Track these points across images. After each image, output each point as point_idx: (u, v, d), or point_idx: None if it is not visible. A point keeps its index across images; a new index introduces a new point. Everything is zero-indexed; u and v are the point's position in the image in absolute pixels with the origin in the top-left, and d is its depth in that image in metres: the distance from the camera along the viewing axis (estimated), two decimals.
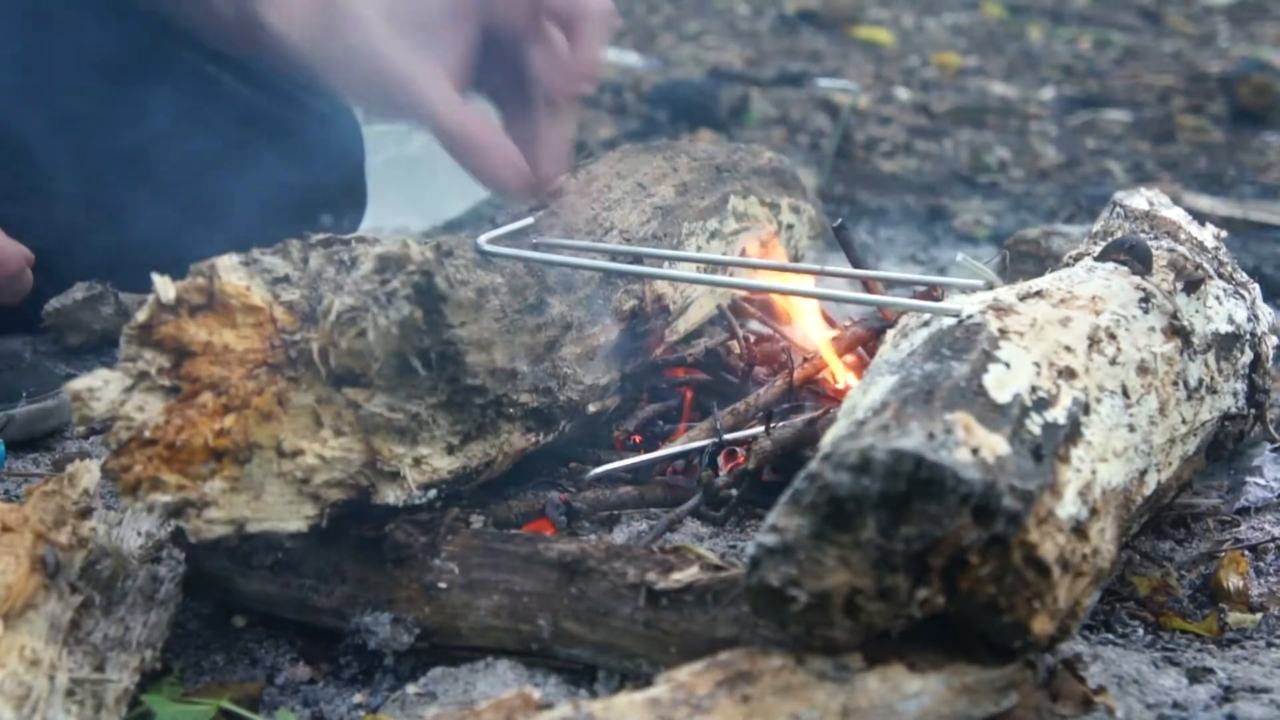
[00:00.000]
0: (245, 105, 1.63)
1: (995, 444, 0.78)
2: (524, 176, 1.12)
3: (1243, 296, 1.24)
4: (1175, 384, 1.05)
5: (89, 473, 0.97)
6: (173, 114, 1.53)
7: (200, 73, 1.59)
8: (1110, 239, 1.21)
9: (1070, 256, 1.24)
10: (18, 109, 1.49)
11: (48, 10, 1.50)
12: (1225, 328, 1.16)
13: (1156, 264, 1.14)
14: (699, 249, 1.42)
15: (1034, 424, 0.84)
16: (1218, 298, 1.19)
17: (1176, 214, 1.36)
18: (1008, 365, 0.88)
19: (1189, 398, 1.07)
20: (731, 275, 1.44)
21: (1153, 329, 1.05)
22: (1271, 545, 1.20)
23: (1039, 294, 1.02)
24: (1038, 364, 0.90)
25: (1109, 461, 0.90)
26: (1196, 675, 0.99)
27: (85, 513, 0.94)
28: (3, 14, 1.48)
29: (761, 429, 1.22)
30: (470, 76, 1.19)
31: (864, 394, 0.89)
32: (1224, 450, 1.24)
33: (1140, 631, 1.07)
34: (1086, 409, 0.90)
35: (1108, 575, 0.87)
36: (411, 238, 0.95)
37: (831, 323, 1.45)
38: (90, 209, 1.53)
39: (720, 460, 1.24)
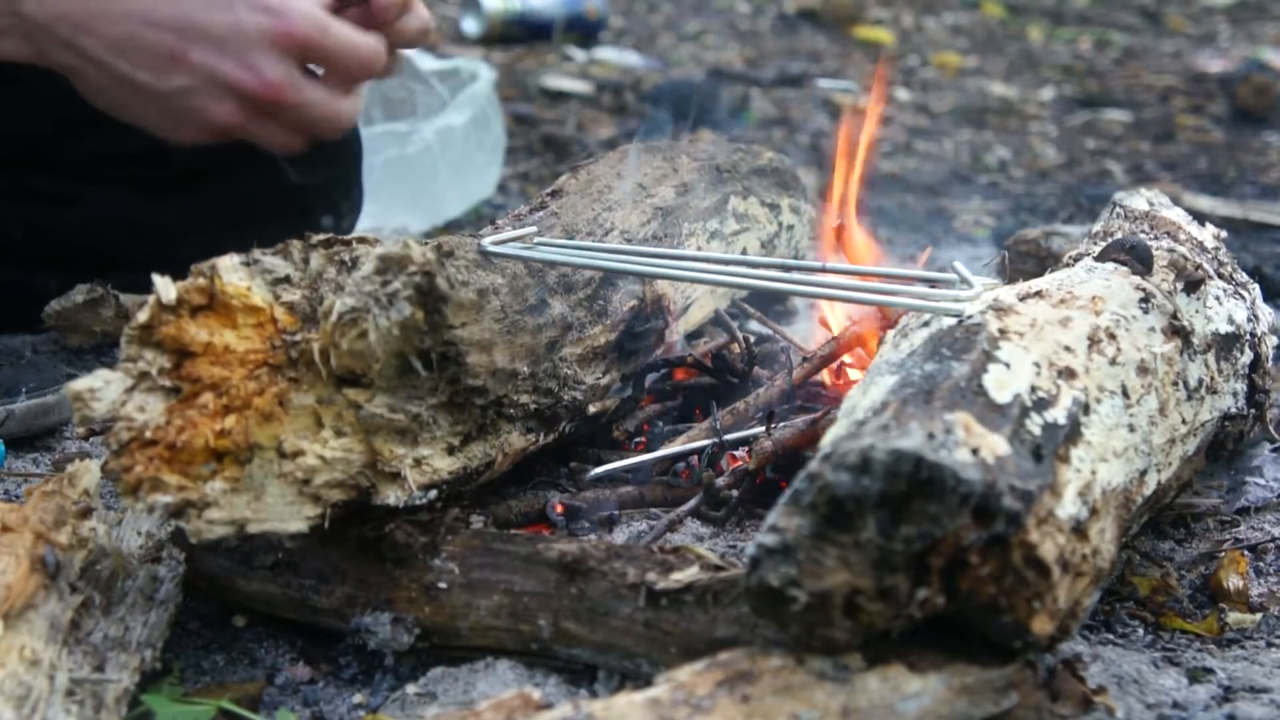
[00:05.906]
0: None
1: (995, 444, 0.79)
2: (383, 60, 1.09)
3: (1243, 296, 1.24)
4: (1175, 384, 1.05)
5: (89, 473, 0.97)
6: None
7: None
8: (1110, 239, 1.21)
9: (1070, 256, 1.24)
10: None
11: None
12: (1225, 328, 1.16)
13: (1156, 264, 1.14)
14: (699, 249, 1.42)
15: (1034, 424, 0.84)
16: (1218, 298, 1.19)
17: (1176, 214, 1.36)
18: (1008, 365, 0.88)
19: (1189, 398, 1.07)
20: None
21: (1153, 329, 1.05)
22: (1271, 545, 1.20)
23: (1039, 294, 1.02)
24: (1038, 364, 0.90)
25: (1109, 461, 0.90)
26: (1196, 675, 0.99)
27: (85, 513, 0.94)
28: None
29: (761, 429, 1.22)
30: None
31: (864, 394, 0.89)
32: (1224, 450, 1.24)
33: (1140, 631, 1.07)
34: (1086, 409, 0.91)
35: (1108, 575, 0.87)
36: (412, 238, 0.95)
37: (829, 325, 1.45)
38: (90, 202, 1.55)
39: (726, 460, 1.24)
